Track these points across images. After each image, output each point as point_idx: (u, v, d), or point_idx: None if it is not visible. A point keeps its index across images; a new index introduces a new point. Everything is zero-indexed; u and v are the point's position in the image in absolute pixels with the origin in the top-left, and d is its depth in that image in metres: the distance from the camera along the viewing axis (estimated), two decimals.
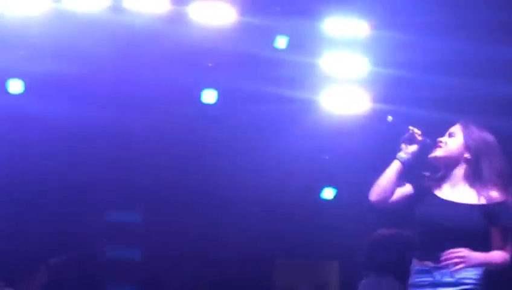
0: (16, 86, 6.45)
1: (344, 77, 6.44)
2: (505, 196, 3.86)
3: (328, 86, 6.47)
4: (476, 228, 3.82)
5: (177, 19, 6.05)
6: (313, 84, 6.40)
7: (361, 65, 6.44)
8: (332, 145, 6.59)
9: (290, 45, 6.24)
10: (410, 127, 4.11)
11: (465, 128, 4.09)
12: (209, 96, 6.48)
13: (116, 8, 5.96)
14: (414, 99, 6.38)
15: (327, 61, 6.40)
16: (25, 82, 6.42)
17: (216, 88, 6.43)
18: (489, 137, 4.06)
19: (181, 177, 6.78)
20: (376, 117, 6.39)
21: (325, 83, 6.44)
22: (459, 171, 3.98)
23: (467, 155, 3.97)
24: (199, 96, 6.50)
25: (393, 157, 4.06)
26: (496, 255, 3.86)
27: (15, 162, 6.70)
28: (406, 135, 4.08)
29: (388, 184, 3.97)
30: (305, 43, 6.28)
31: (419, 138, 4.06)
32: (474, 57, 6.24)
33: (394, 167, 4.01)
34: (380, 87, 6.45)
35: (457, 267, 3.77)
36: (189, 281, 7.24)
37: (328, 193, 6.87)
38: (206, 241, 6.98)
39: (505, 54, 6.22)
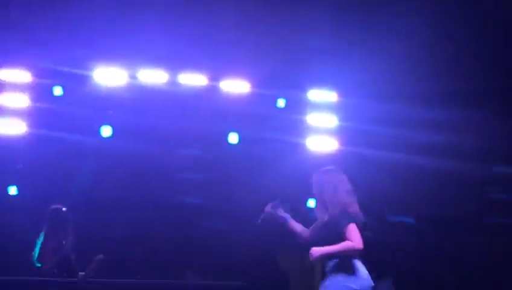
0: (106, 131, 9.04)
1: (321, 128, 9.30)
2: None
3: (310, 134, 9.29)
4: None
5: (212, 90, 8.99)
6: (301, 132, 9.25)
7: (332, 120, 9.35)
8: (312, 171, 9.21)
9: (286, 106, 9.16)
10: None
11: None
12: (233, 138, 9.23)
13: (173, 82, 8.93)
14: (368, 144, 9.14)
15: (310, 117, 9.32)
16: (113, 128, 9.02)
17: (238, 133, 9.17)
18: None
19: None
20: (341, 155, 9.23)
21: (308, 132, 9.28)
22: None
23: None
24: (227, 139, 9.21)
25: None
26: (336, 246, 5.31)
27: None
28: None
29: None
30: (296, 106, 9.22)
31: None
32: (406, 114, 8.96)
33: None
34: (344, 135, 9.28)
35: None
36: None
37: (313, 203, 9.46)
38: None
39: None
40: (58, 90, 8.84)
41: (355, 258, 5.41)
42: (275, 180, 8.88)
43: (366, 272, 5.44)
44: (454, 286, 8.93)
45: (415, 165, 8.96)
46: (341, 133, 9.35)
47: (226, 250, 9.04)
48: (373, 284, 5.44)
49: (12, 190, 8.93)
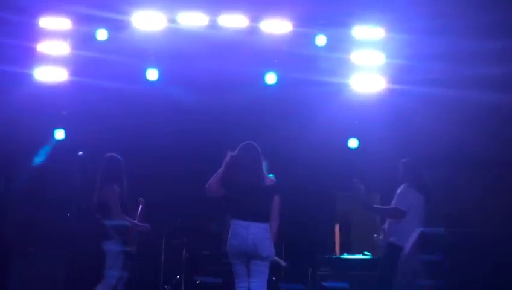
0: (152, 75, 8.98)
1: (367, 66, 8.89)
2: None
3: (355, 73, 8.93)
4: None
5: (252, 31, 8.74)
6: (345, 72, 8.91)
7: (379, 57, 8.90)
8: (359, 112, 8.97)
9: (329, 45, 8.78)
10: None
11: None
12: (271, 78, 9.00)
13: (213, 25, 8.72)
14: (417, 81, 8.75)
15: (356, 56, 8.91)
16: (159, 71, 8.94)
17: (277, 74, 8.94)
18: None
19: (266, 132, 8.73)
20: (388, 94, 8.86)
21: (353, 71, 8.92)
22: None
23: None
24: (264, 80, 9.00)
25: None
26: None
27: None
28: None
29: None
30: (340, 45, 8.82)
31: None
32: (460, 48, 8.40)
33: None
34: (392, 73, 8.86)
35: None
36: None
37: (353, 143, 9.17)
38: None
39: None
40: (102, 34, 8.78)
41: None
42: (317, 123, 8.78)
43: None
44: None
45: (471, 102, 8.51)
46: (389, 71, 8.90)
47: None
48: None
49: (60, 134, 9.05)
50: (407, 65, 8.76)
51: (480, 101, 8.41)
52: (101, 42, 8.76)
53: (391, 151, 8.39)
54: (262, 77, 9.03)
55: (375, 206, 7.58)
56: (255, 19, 8.72)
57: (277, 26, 8.74)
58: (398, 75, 8.86)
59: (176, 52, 8.69)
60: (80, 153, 7.55)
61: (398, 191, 7.28)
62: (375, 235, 7.38)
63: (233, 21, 8.74)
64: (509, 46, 8.20)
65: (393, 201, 7.28)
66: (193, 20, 8.72)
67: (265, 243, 6.34)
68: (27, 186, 8.81)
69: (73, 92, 8.82)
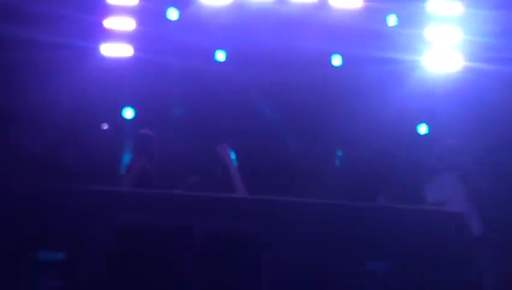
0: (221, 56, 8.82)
1: (443, 43, 8.39)
2: None
3: (430, 51, 8.44)
4: None
5: (321, 6, 8.44)
6: (419, 49, 8.43)
7: (456, 34, 8.42)
8: (432, 93, 8.47)
9: (401, 20, 8.37)
10: None
11: None
12: (336, 60, 8.73)
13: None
14: (496, 59, 8.25)
15: (430, 32, 8.44)
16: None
17: (342, 54, 8.65)
18: None
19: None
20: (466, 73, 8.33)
21: (428, 48, 8.43)
22: None
23: None
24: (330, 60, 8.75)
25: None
26: None
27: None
28: None
29: None
30: (413, 20, 8.38)
31: None
32: None
33: None
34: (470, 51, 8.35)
35: None
36: None
37: (423, 129, 8.72)
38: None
39: None
40: (173, 13, 8.71)
41: None
42: (385, 104, 8.39)
43: None
44: None
45: None
46: (466, 48, 8.36)
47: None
48: None
49: (128, 113, 9.00)
50: (487, 42, 8.18)
51: None
52: (170, 20, 8.68)
53: (466, 137, 8.00)
54: (330, 54, 8.71)
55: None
56: None
57: (347, 1, 8.41)
58: (477, 53, 8.28)
59: (243, 28, 8.50)
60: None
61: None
62: None
63: None
64: None
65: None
66: None
67: None
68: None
69: (139, 69, 8.75)
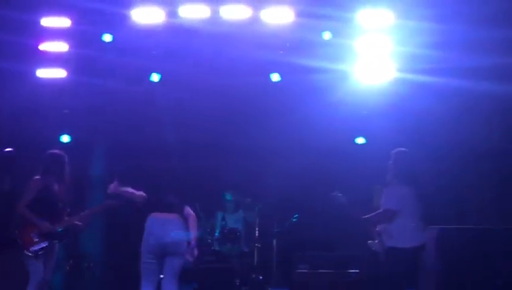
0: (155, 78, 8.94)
1: (375, 54, 8.42)
2: None
3: (361, 61, 8.49)
4: None
5: (254, 21, 8.41)
6: (351, 60, 8.47)
7: (388, 45, 8.43)
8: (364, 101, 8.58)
9: (333, 32, 8.40)
10: None
11: None
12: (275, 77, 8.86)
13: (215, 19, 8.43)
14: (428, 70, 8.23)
15: (361, 43, 8.46)
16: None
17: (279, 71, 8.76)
18: None
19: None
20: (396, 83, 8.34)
21: (359, 59, 8.47)
22: None
23: None
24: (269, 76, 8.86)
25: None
26: None
27: None
28: None
29: None
30: (344, 31, 8.38)
31: None
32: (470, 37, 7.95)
33: None
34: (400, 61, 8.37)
35: None
36: None
37: (360, 140, 8.85)
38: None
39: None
40: (108, 37, 8.73)
41: None
42: (319, 114, 8.43)
43: None
44: None
45: (481, 92, 7.97)
46: (396, 59, 8.44)
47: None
48: None
49: (65, 138, 9.06)
50: (416, 53, 8.26)
51: (491, 91, 7.89)
52: (104, 42, 8.70)
53: (397, 144, 8.00)
54: (265, 67, 8.78)
55: (364, 217, 6.81)
56: (257, 8, 8.38)
57: (279, 16, 8.37)
58: (406, 63, 8.38)
59: (178, 48, 8.58)
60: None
61: (386, 190, 6.70)
62: (370, 242, 6.84)
63: (236, 12, 8.43)
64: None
65: (382, 201, 6.70)
66: (194, 13, 8.44)
67: None
68: None
69: (74, 91, 8.79)
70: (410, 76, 8.34)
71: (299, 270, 7.86)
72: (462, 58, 7.99)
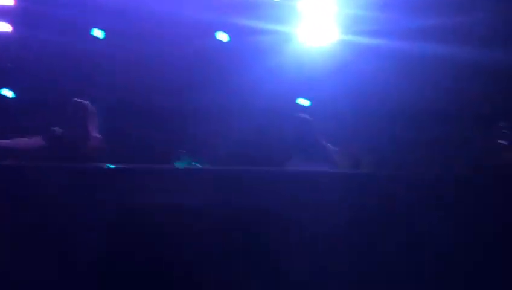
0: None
1: (318, 15, 8.39)
2: None
3: (304, 23, 8.46)
4: None
5: None
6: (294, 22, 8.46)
7: (331, 6, 8.41)
8: (308, 65, 8.53)
9: None
10: None
11: None
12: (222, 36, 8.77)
13: None
14: (372, 32, 8.28)
15: (304, 4, 8.38)
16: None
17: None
18: None
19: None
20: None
21: (302, 21, 8.45)
22: None
23: None
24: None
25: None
26: None
27: None
28: None
29: None
30: None
31: None
32: None
33: None
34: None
35: None
36: None
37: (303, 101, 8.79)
38: None
39: None
40: None
41: None
42: (263, 76, 8.43)
43: None
44: None
45: (424, 53, 8.00)
46: (339, 21, 8.43)
47: None
48: None
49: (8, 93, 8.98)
50: (360, 15, 8.22)
51: (434, 53, 7.91)
52: None
53: (342, 107, 8.07)
54: (210, 27, 8.72)
55: None
56: None
57: None
58: (351, 25, 8.37)
59: (123, 5, 8.47)
60: None
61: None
62: None
63: None
64: None
65: None
66: None
67: None
68: None
69: (18, 45, 8.72)
70: (354, 38, 8.33)
71: None
72: (408, 20, 7.99)
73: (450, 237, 4.87)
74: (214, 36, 8.79)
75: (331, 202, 4.87)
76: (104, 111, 8.77)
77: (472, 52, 7.86)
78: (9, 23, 8.71)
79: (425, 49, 8.00)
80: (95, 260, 4.92)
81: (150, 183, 5.07)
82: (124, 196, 4.99)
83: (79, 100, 6.89)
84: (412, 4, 7.99)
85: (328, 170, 5.99)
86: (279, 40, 8.50)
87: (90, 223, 4.93)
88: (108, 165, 5.52)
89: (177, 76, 8.99)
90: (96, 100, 8.64)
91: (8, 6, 8.68)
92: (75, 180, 5.07)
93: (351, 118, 8.37)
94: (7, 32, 8.72)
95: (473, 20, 7.81)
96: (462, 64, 8.02)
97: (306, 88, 8.73)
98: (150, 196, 5.00)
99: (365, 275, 4.94)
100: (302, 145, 6.22)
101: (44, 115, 8.03)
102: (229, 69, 8.77)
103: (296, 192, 4.94)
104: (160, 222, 4.96)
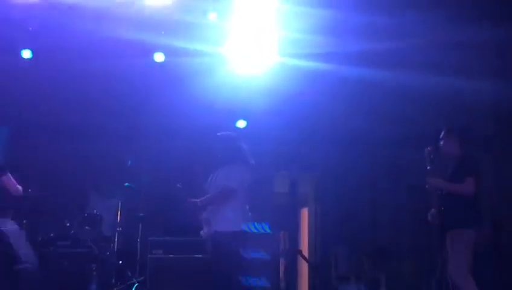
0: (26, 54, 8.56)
1: (257, 38, 8.25)
2: None
3: (242, 45, 8.28)
4: None
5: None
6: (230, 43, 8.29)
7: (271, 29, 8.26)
8: (246, 87, 8.52)
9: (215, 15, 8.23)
10: None
11: None
12: (159, 57, 8.60)
13: None
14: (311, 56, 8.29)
15: (243, 26, 8.19)
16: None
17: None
18: None
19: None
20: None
21: (239, 43, 8.26)
22: None
23: None
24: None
25: None
26: None
27: None
28: None
29: None
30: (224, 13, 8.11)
31: None
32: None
33: None
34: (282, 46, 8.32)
35: None
36: None
37: (241, 123, 9.01)
38: None
39: None
40: None
41: None
42: (200, 98, 8.36)
43: None
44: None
45: (356, 77, 8.14)
46: (281, 43, 8.33)
47: None
48: None
49: None
50: (301, 39, 8.16)
51: (365, 77, 8.05)
52: None
53: (278, 129, 8.14)
54: (146, 49, 8.50)
55: (197, 200, 6.57)
56: None
57: None
58: (290, 48, 8.29)
59: (53, 26, 8.14)
60: None
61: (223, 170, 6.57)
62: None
63: None
64: (396, 22, 7.80)
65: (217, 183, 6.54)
66: None
67: None
68: None
69: None
70: (292, 61, 8.31)
71: (152, 256, 7.91)
72: (350, 44, 8.01)
73: None
74: (151, 56, 8.64)
75: None
76: (36, 131, 8.63)
77: (407, 77, 8.03)
78: None
79: (363, 73, 8.13)
80: None
81: None
82: None
83: None
84: (352, 28, 8.05)
85: None
86: (215, 62, 8.40)
87: None
88: None
89: (112, 96, 8.86)
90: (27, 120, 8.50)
91: None
92: None
93: (289, 141, 8.49)
94: None
95: (407, 45, 7.95)
96: (399, 89, 8.21)
97: (242, 110, 8.74)
98: None
99: None
100: (228, 157, 6.54)
101: None
102: (165, 90, 8.69)
103: None
104: None
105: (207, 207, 6.47)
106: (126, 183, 8.51)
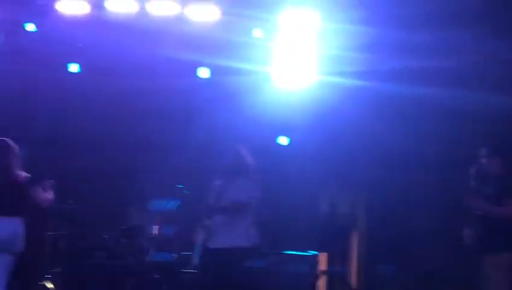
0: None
1: (299, 56, 8.37)
2: None
3: (285, 63, 8.41)
4: None
5: (181, 18, 8.30)
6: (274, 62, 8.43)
7: (312, 47, 8.37)
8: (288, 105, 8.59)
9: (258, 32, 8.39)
10: None
11: None
12: (203, 72, 8.78)
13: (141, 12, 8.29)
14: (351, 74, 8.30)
15: (286, 44, 8.35)
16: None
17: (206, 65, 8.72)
18: None
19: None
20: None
21: (282, 61, 8.40)
22: None
23: None
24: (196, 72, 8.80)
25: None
26: None
27: None
28: None
29: None
30: (269, 31, 8.34)
31: None
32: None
33: None
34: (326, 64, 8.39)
35: None
36: None
37: (283, 140, 9.01)
38: None
39: None
40: (30, 26, 8.56)
41: None
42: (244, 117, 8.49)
43: None
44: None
45: (402, 95, 8.10)
46: (322, 61, 8.39)
47: None
48: None
49: None
50: (342, 56, 8.22)
51: (412, 95, 8.01)
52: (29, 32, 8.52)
53: (319, 148, 8.15)
54: (191, 66, 8.72)
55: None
56: (183, 5, 8.26)
57: (205, 13, 8.27)
58: (331, 66, 8.33)
59: (104, 40, 8.39)
60: None
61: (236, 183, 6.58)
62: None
63: (163, 8, 8.28)
64: (437, 38, 7.76)
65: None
66: (121, 5, 8.29)
67: None
68: None
69: None
70: (334, 79, 8.33)
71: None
72: (390, 61, 8.01)
73: None
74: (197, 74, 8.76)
75: None
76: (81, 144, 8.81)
77: (453, 95, 7.98)
78: None
79: (406, 91, 8.10)
80: None
81: None
82: None
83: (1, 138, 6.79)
84: (393, 45, 8.05)
85: None
86: (258, 80, 8.49)
87: None
88: None
89: (157, 111, 9.00)
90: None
91: None
92: None
93: (330, 159, 8.49)
94: None
95: (457, 63, 7.90)
96: (441, 107, 8.15)
97: (284, 128, 8.79)
98: None
99: None
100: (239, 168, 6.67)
101: None
102: (208, 108, 8.81)
103: None
104: None
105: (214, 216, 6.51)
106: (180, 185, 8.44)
